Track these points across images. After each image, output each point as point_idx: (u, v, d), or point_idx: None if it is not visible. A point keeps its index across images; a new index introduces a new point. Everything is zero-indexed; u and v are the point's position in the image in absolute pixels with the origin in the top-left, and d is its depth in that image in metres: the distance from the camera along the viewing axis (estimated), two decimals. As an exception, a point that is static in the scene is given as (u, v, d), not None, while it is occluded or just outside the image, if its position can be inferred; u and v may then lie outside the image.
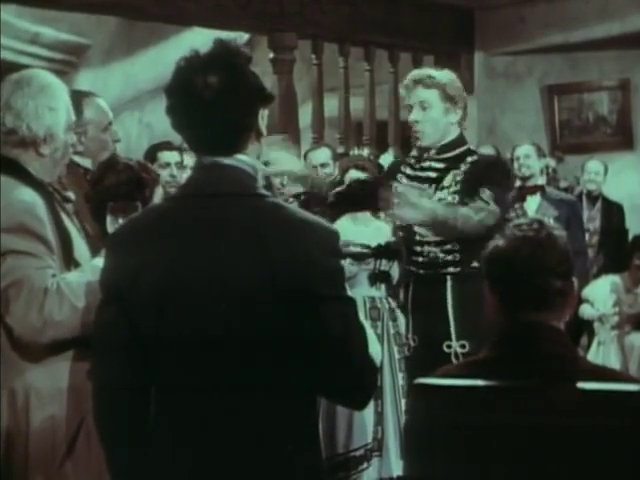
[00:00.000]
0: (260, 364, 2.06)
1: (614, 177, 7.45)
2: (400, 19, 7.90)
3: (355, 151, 7.27)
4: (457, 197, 3.74)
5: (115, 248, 2.19)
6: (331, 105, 7.77)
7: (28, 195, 2.72)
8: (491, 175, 3.75)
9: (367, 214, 5.11)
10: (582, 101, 8.52)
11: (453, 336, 3.71)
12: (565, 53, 8.36)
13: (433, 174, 3.84)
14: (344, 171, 5.18)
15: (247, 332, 2.04)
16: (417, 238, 3.83)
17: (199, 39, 7.15)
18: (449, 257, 3.74)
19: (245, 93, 2.11)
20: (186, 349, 2.07)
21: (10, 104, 2.78)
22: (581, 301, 6.45)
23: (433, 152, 3.87)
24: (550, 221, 2.38)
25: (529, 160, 6.32)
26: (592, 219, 7.22)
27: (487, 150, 7.30)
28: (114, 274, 2.16)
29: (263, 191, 2.16)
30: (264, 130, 2.20)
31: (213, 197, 2.11)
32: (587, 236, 7.01)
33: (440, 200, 3.76)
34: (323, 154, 5.93)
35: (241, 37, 7.16)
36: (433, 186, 3.81)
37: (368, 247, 4.94)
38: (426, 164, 3.89)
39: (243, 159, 2.14)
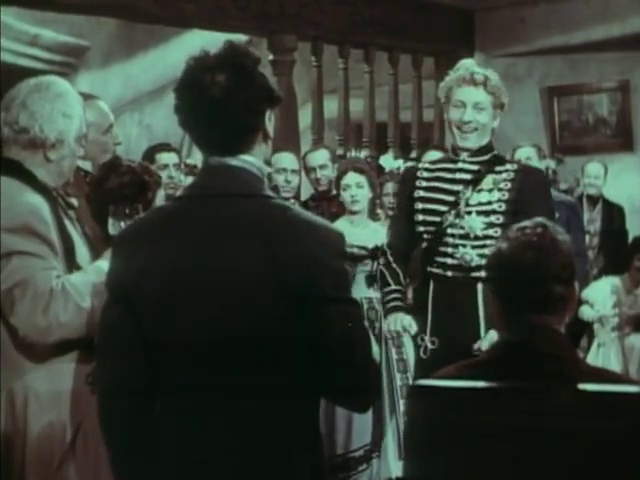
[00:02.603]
0: (265, 365, 2.06)
1: (614, 179, 7.44)
2: (400, 20, 7.90)
3: (353, 153, 7.27)
4: (504, 206, 3.73)
5: (121, 248, 2.20)
6: (331, 107, 7.78)
7: (34, 198, 2.74)
8: (544, 199, 3.78)
9: (364, 216, 5.13)
10: (582, 103, 8.53)
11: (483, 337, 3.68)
12: (565, 54, 8.36)
13: (467, 176, 3.81)
14: (343, 173, 5.18)
15: (252, 333, 2.04)
16: (451, 240, 3.78)
17: (199, 41, 7.16)
18: (483, 261, 3.67)
19: (253, 93, 2.12)
20: (191, 349, 2.08)
21: (26, 104, 2.81)
22: (581, 302, 6.44)
23: (466, 154, 3.84)
24: (554, 225, 2.37)
25: (530, 162, 6.30)
26: (592, 221, 7.22)
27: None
28: (120, 274, 2.16)
29: (269, 192, 2.16)
30: (271, 132, 2.20)
31: (219, 197, 2.12)
32: (587, 238, 7.01)
33: (479, 204, 3.75)
34: (322, 156, 5.92)
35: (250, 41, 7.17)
36: (469, 187, 3.78)
37: (365, 248, 4.95)
38: (457, 165, 3.85)
39: (249, 160, 2.14)
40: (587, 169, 7.28)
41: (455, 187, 3.81)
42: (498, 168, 3.81)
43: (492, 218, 3.73)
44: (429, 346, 3.80)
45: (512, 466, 2.04)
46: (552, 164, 7.36)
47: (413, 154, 7.83)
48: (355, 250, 4.88)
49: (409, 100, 8.22)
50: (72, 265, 2.79)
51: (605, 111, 8.46)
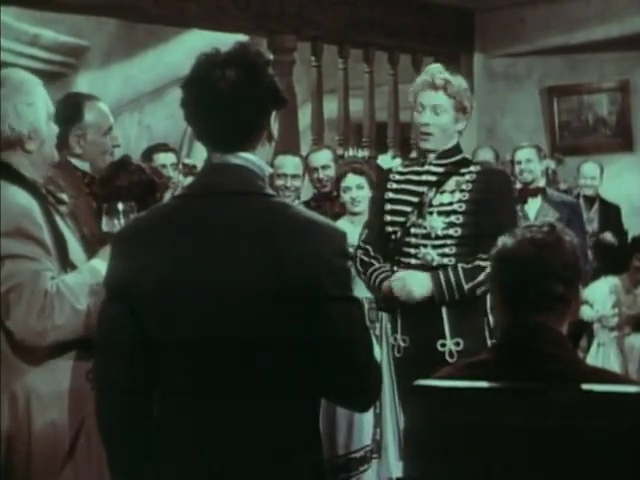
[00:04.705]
0: (265, 364, 2.05)
1: (613, 179, 7.44)
2: (400, 20, 7.91)
3: (350, 153, 7.27)
4: (464, 206, 3.79)
5: (120, 247, 2.19)
6: (331, 107, 7.78)
7: (24, 198, 2.71)
8: (503, 199, 3.85)
9: (365, 216, 5.11)
10: (582, 103, 8.53)
11: (447, 335, 3.76)
12: (565, 55, 8.37)
13: (432, 177, 3.89)
14: (342, 175, 5.16)
15: (253, 332, 2.04)
16: (413, 240, 3.87)
17: (199, 41, 7.17)
18: (445, 260, 3.79)
19: (261, 91, 2.13)
20: (190, 349, 2.07)
21: None
22: (581, 303, 6.42)
23: (432, 157, 3.92)
24: (563, 227, 2.37)
25: (531, 164, 6.29)
26: (590, 221, 7.21)
27: (486, 153, 7.32)
28: (119, 272, 2.15)
29: (270, 191, 2.17)
30: (276, 133, 2.21)
31: (221, 196, 2.12)
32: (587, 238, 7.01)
33: (441, 204, 3.81)
34: (324, 156, 5.93)
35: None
36: (433, 189, 3.84)
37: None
38: (424, 168, 3.94)
39: (251, 159, 2.14)
40: (583, 170, 7.28)
41: (420, 189, 3.90)
42: (462, 170, 3.87)
43: (452, 218, 3.80)
44: (401, 344, 3.88)
45: (512, 466, 2.04)
46: (552, 164, 7.36)
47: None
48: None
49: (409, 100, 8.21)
50: (65, 262, 2.77)
51: (605, 111, 8.47)
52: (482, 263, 3.66)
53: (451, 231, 3.79)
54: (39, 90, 2.86)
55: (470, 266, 3.73)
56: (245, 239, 2.06)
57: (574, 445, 2.00)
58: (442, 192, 3.84)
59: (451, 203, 3.81)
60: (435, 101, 3.86)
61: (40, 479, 2.72)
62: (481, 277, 3.68)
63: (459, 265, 3.75)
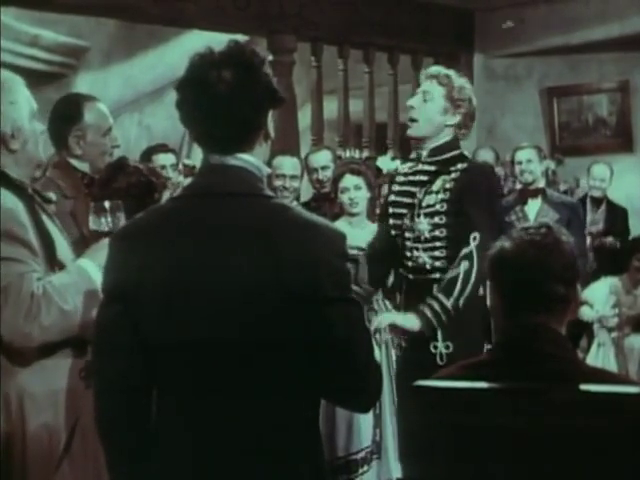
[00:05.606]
0: (265, 365, 2.05)
1: (613, 179, 7.44)
2: (400, 21, 7.91)
3: (348, 153, 7.26)
4: (445, 206, 3.81)
5: (119, 247, 2.18)
6: (330, 107, 7.78)
7: (10, 200, 2.68)
8: (476, 198, 3.82)
9: (363, 217, 5.10)
10: (582, 103, 8.53)
11: (439, 337, 3.77)
12: (565, 55, 8.37)
13: (424, 177, 3.91)
14: (340, 176, 5.14)
15: (253, 333, 2.04)
16: (408, 244, 3.90)
17: (199, 41, 7.15)
18: (437, 263, 3.83)
19: (258, 91, 2.11)
20: (190, 350, 2.07)
21: None
22: (581, 303, 6.43)
23: (425, 155, 3.93)
24: (559, 227, 2.38)
25: (531, 165, 6.28)
26: (595, 222, 7.20)
27: (486, 153, 7.32)
28: (117, 273, 2.15)
29: (269, 192, 2.16)
30: (272, 132, 2.20)
31: (219, 197, 2.11)
32: (590, 239, 7.01)
33: (428, 206, 3.81)
34: (324, 156, 5.93)
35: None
36: (423, 190, 3.84)
37: (364, 250, 4.93)
38: (418, 167, 3.95)
39: (249, 160, 2.14)
40: (593, 171, 7.25)
41: (414, 189, 3.93)
42: (451, 169, 3.87)
43: (436, 219, 3.83)
44: (403, 344, 3.97)
45: (512, 466, 2.04)
46: (552, 165, 7.35)
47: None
48: (354, 251, 4.86)
49: (409, 100, 8.21)
50: (53, 262, 2.75)
51: (605, 111, 8.46)
52: (453, 272, 3.69)
53: (437, 232, 3.82)
54: (21, 89, 2.83)
55: (443, 284, 3.74)
56: (244, 240, 2.05)
57: (574, 445, 2.00)
58: (430, 193, 3.86)
59: (435, 204, 3.83)
60: (425, 87, 3.91)
61: (37, 476, 2.72)
62: (458, 287, 3.69)
63: (434, 292, 3.75)
